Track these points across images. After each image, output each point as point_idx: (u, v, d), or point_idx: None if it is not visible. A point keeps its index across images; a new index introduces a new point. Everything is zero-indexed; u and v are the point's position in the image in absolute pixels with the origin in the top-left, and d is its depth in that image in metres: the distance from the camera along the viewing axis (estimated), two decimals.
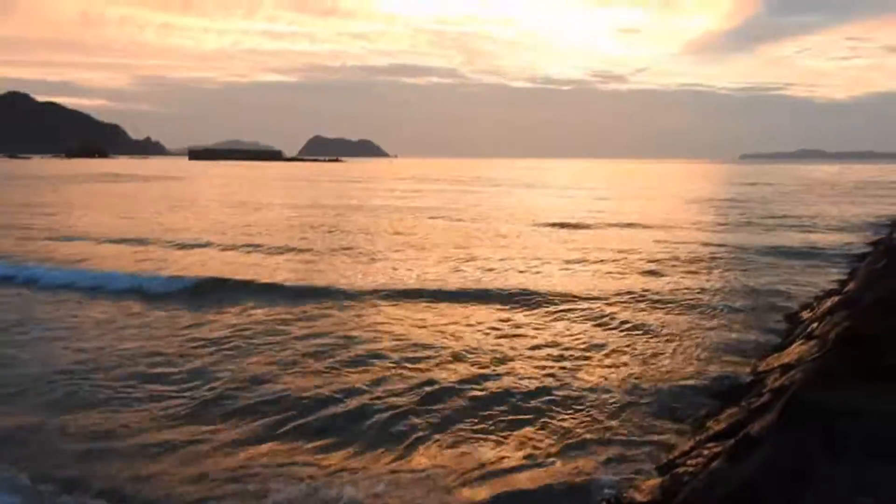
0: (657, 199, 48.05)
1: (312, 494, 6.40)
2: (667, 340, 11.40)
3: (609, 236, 25.59)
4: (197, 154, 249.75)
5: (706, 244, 23.15)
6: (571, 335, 11.77)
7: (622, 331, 12.06)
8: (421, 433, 7.77)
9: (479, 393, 9.00)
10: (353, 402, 8.67)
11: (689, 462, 6.47)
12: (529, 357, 10.50)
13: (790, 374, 7.81)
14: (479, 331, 12.07)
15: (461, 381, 9.35)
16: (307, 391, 9.05)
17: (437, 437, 7.69)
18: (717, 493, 5.25)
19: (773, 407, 6.30)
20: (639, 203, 44.04)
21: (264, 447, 7.46)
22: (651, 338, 11.57)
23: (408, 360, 10.35)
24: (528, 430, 7.83)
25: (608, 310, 13.49)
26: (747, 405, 7.50)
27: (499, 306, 13.89)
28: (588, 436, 7.65)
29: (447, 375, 9.61)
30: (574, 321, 12.71)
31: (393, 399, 8.76)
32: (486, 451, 7.33)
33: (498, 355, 10.56)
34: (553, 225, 29.24)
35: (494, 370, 9.85)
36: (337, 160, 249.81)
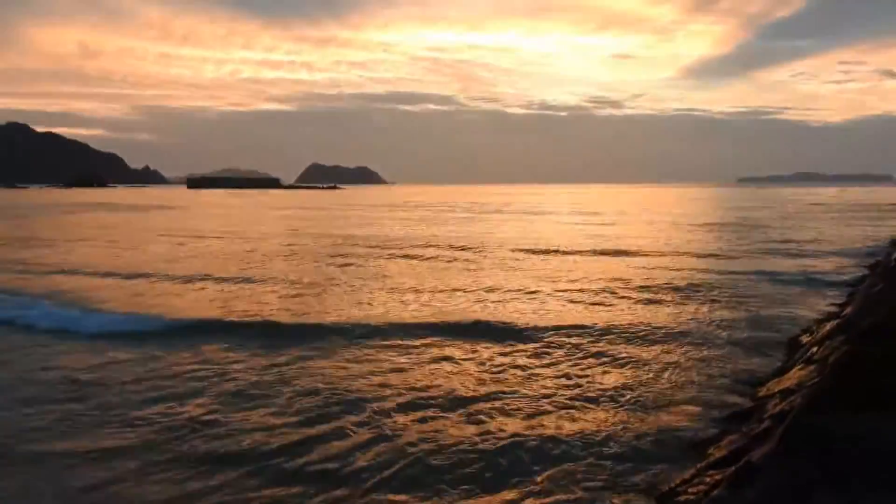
0: (654, 224, 48.10)
1: None
2: (666, 366, 11.36)
3: (606, 263, 25.46)
4: (195, 182, 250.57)
5: (705, 270, 23.10)
6: (572, 361, 11.72)
7: (620, 357, 12.01)
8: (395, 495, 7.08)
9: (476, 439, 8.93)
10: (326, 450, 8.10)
11: (690, 490, 6.42)
12: (523, 391, 10.18)
13: (790, 399, 7.78)
14: (467, 370, 11.30)
15: (453, 424, 8.82)
16: (271, 440, 8.39)
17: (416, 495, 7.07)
18: None
19: (774, 433, 6.27)
20: (636, 229, 44.11)
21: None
22: (650, 364, 11.53)
23: (396, 405, 9.57)
24: (525, 457, 7.77)
25: (605, 335, 13.44)
26: (748, 431, 7.46)
27: (475, 341, 13.12)
28: (587, 461, 7.59)
29: (432, 426, 8.80)
30: (572, 350, 12.60)
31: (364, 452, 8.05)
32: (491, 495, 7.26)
33: (483, 392, 10.05)
34: (550, 252, 29.20)
35: (482, 408, 9.36)
36: (335, 188, 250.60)
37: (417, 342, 13.10)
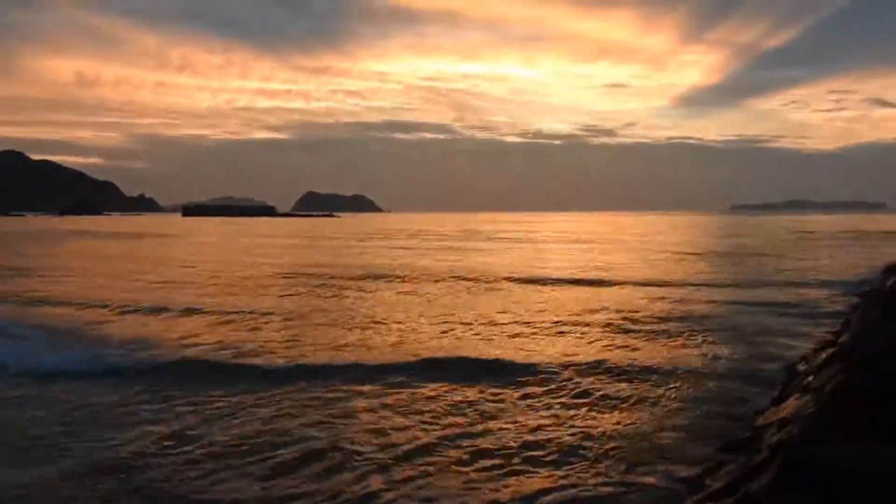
0: (647, 253, 48.13)
1: None
2: (661, 396, 11.28)
3: (597, 294, 25.20)
4: (190, 210, 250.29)
5: (699, 300, 23.02)
6: (561, 396, 11.63)
7: (613, 388, 11.91)
8: None
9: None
10: None
11: None
12: (512, 436, 9.63)
13: (787, 428, 7.71)
14: (439, 411, 10.51)
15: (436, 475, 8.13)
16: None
17: None
18: None
19: (772, 464, 6.20)
20: (629, 257, 44.14)
21: None
22: (645, 393, 11.45)
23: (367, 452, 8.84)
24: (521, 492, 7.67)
25: (597, 369, 13.26)
26: (746, 462, 7.38)
27: (453, 380, 12.22)
28: (581, 496, 7.49)
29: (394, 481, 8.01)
30: (562, 385, 12.41)
31: None
32: None
33: (459, 436, 9.37)
34: (541, 282, 29.14)
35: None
36: (330, 215, 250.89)
37: (392, 380, 12.19)
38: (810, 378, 10.44)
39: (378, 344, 15.71)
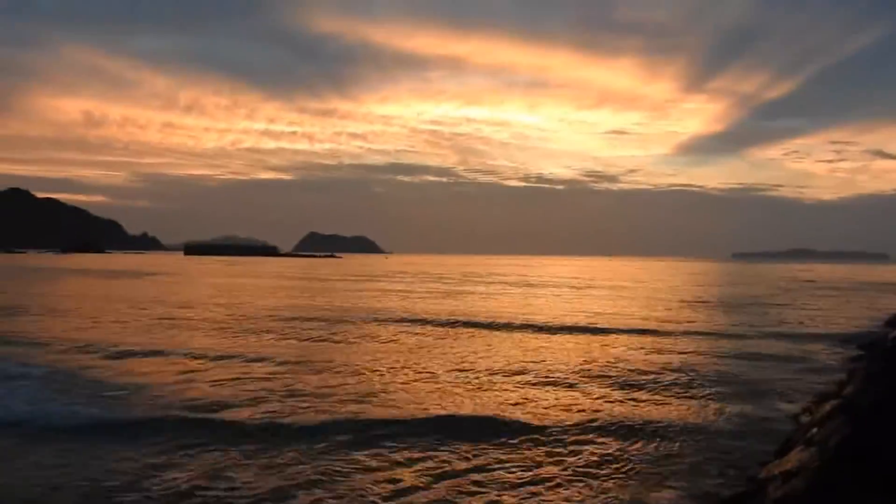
0: (647, 300, 48.03)
1: None
2: (662, 450, 11.11)
3: (594, 343, 24.75)
4: (192, 249, 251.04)
5: (700, 351, 22.78)
6: (557, 456, 11.48)
7: (614, 442, 11.76)
8: None
9: None
10: None
11: None
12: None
13: (792, 482, 7.58)
14: (423, 476, 9.64)
15: None
16: None
17: None
18: None
19: None
20: (629, 304, 43.97)
21: None
22: (645, 447, 11.27)
23: None
24: None
25: (593, 423, 13.10)
26: None
27: (438, 442, 11.24)
28: None
29: None
30: (561, 442, 12.16)
31: None
32: None
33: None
34: (539, 329, 28.97)
35: None
36: (332, 256, 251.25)
37: (380, 444, 11.10)
38: (814, 430, 10.31)
39: (354, 398, 14.35)
